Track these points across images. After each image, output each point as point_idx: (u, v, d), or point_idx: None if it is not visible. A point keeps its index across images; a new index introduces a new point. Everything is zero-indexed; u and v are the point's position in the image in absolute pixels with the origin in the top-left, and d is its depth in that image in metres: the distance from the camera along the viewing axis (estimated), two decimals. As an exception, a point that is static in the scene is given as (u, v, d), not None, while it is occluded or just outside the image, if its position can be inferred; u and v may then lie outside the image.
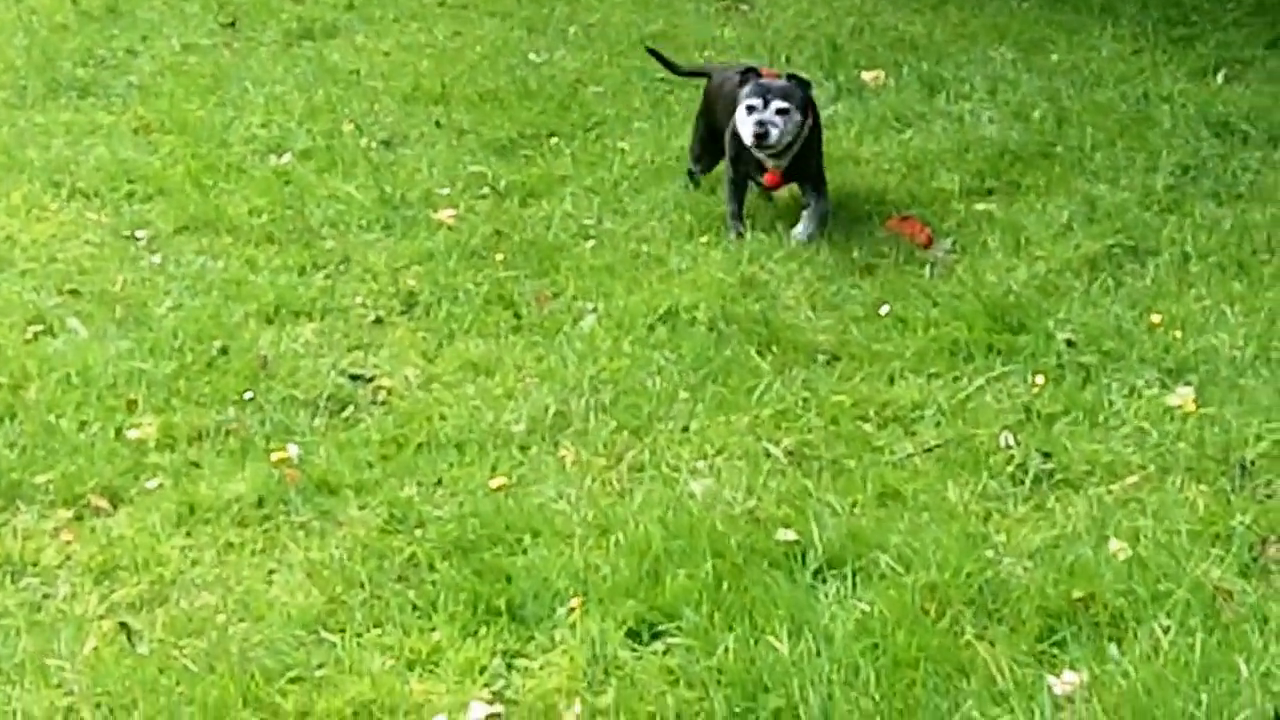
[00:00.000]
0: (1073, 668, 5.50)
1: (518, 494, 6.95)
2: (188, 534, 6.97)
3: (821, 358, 7.87)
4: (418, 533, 6.79)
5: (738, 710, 5.47)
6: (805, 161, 9.54)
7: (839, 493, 6.70)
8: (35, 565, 6.80)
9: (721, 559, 6.11)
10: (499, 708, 5.65)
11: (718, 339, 8.05)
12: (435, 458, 7.37)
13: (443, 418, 7.67)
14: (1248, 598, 5.76)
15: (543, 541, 6.51)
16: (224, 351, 8.51)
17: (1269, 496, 6.42)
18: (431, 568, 6.49)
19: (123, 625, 6.34)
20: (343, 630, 6.15)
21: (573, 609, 6.01)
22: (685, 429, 7.30)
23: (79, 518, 7.18)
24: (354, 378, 8.25)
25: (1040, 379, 7.40)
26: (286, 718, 5.73)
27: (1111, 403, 7.22)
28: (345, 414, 7.90)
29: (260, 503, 7.15)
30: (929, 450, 7.00)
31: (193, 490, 7.26)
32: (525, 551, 6.47)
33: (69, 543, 6.99)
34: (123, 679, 5.95)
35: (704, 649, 5.69)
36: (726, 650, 5.67)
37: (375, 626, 6.15)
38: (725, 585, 5.98)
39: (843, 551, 6.19)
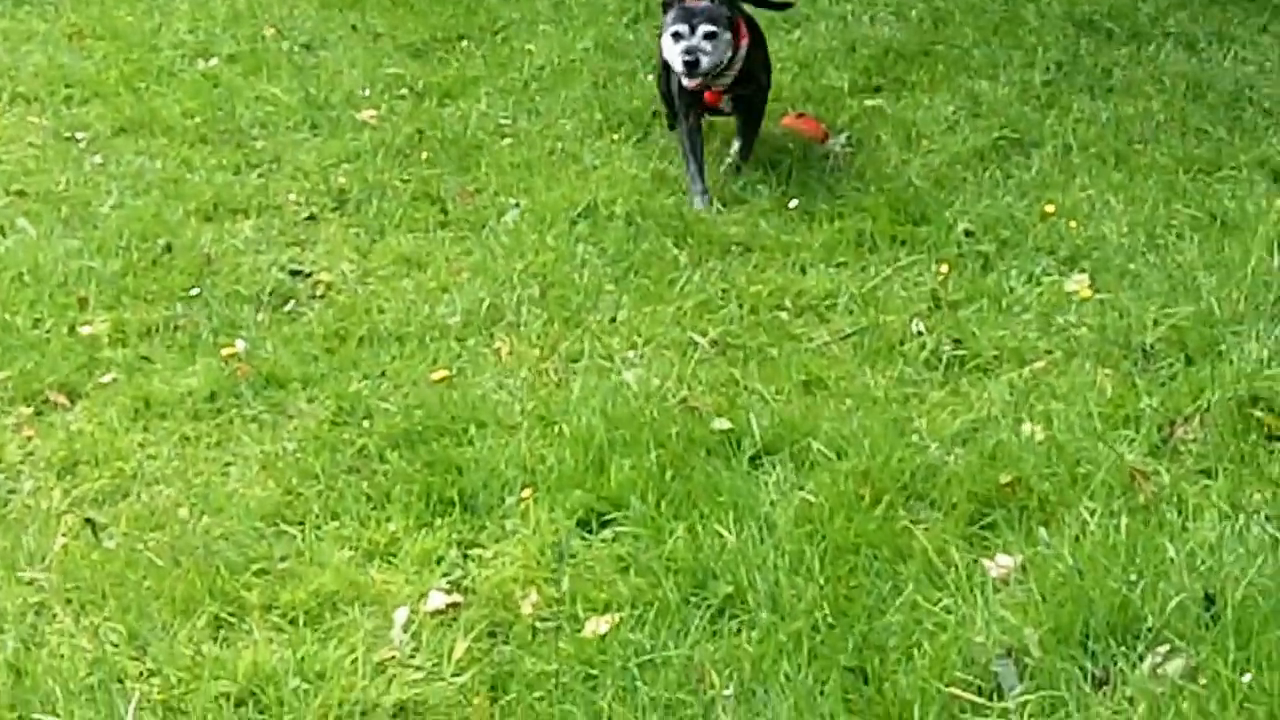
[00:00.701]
0: (1006, 551, 5.15)
1: (459, 385, 6.55)
2: (145, 428, 6.56)
3: (735, 249, 7.48)
4: (365, 424, 6.40)
5: (689, 598, 5.08)
6: (746, 81, 8.30)
7: (765, 380, 6.35)
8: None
9: (663, 449, 5.73)
10: (457, 597, 5.27)
11: (636, 233, 7.68)
12: (377, 350, 6.99)
13: (381, 311, 7.29)
14: (1162, 479, 5.41)
15: (488, 432, 6.13)
16: (168, 249, 8.09)
17: (1171, 379, 6.09)
18: (381, 459, 6.12)
19: (88, 521, 5.92)
20: (301, 522, 5.79)
21: (523, 499, 5.59)
22: (613, 320, 6.93)
23: (39, 414, 6.75)
24: (294, 273, 7.85)
25: (944, 268, 7.01)
26: (252, 610, 5.34)
27: (1013, 289, 6.91)
28: (287, 308, 7.49)
29: (212, 396, 6.74)
30: (845, 338, 6.69)
31: (146, 385, 6.84)
32: (472, 443, 6.08)
33: (30, 438, 6.56)
34: (91, 574, 5.51)
35: (652, 538, 5.36)
36: (674, 538, 5.27)
37: (332, 518, 5.77)
38: (669, 475, 5.59)
39: (776, 439, 5.86)
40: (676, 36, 7.91)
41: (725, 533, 5.29)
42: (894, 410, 6.05)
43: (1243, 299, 6.48)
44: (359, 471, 6.08)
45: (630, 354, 6.70)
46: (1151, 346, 6.28)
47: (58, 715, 4.90)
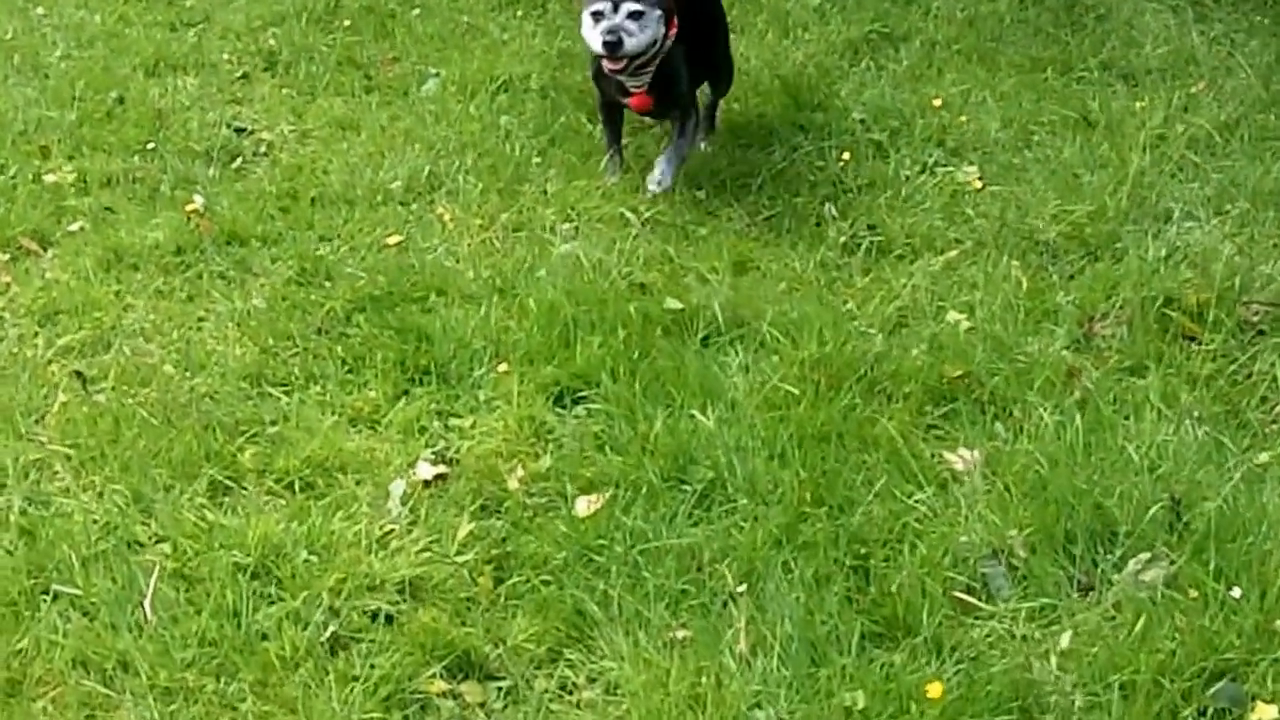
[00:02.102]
0: (966, 445, 4.46)
1: (413, 251, 5.70)
2: (118, 279, 5.72)
3: (645, 127, 6.64)
4: (328, 286, 5.56)
5: (670, 481, 4.35)
6: (669, 79, 6.08)
7: (700, 259, 5.57)
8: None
9: (624, 328, 4.96)
10: (444, 468, 4.49)
11: (552, 107, 6.84)
12: (329, 212, 6.16)
13: (326, 173, 6.42)
14: (1090, 374, 4.76)
15: (449, 300, 5.33)
16: (120, 101, 7.19)
17: (1079, 273, 5.43)
18: (349, 321, 5.32)
19: (78, 374, 5.04)
20: (283, 385, 5.00)
21: (499, 372, 4.82)
22: (544, 192, 6.14)
23: (13, 259, 5.79)
24: (238, 130, 6.94)
25: (846, 155, 6.26)
26: (247, 473, 4.57)
27: (908, 178, 6.12)
28: (236, 165, 6.63)
29: (179, 251, 5.89)
30: (767, 219, 5.88)
31: (114, 235, 5.96)
32: (433, 311, 5.26)
33: (8, 284, 5.63)
34: (87, 431, 4.66)
35: (626, 418, 4.61)
36: (648, 419, 4.53)
37: (311, 382, 4.96)
38: (635, 354, 4.83)
39: (725, 320, 5.08)
40: (596, 16, 5.80)
41: (701, 417, 4.49)
42: (825, 294, 5.29)
43: (1125, 199, 5.78)
44: (328, 333, 5.23)
45: (564, 226, 5.86)
46: (1053, 241, 5.55)
47: (76, 585, 4.01)
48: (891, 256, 5.63)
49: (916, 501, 4.25)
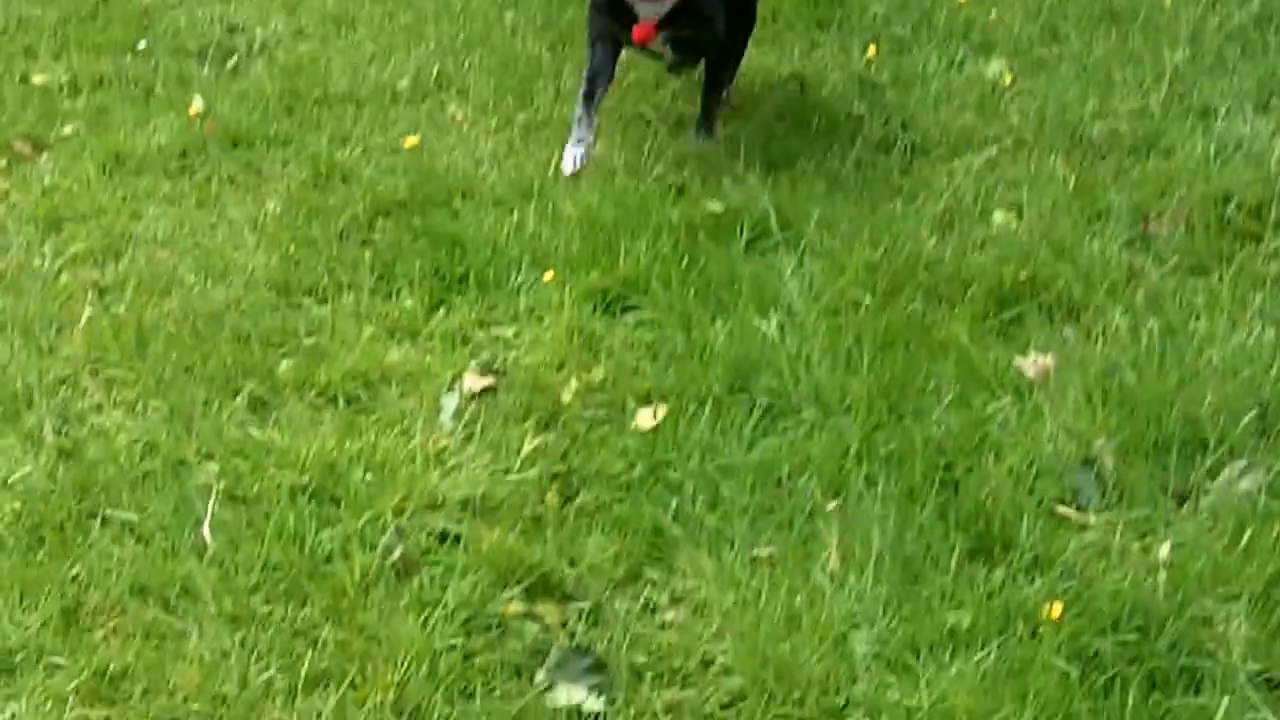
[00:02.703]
0: (1037, 350, 4.34)
1: (430, 154, 5.49)
2: (122, 184, 5.46)
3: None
4: (343, 188, 5.35)
5: (732, 393, 4.19)
6: (693, 15, 5.19)
7: (729, 158, 5.38)
8: (-20, 216, 5.24)
9: (670, 233, 4.79)
10: (492, 380, 4.31)
11: (563, 2, 6.58)
12: (336, 112, 5.95)
13: (328, 72, 6.18)
14: (1151, 276, 4.65)
15: (478, 205, 5.14)
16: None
17: (1127, 171, 5.29)
18: (372, 226, 5.09)
19: (95, 285, 4.83)
20: (312, 294, 4.74)
21: (544, 280, 4.66)
22: (559, 90, 5.90)
23: (9, 164, 5.57)
24: (231, 28, 6.69)
25: (872, 49, 6.08)
26: (286, 387, 4.36)
27: (936, 74, 5.97)
28: (231, 65, 6.42)
29: (184, 154, 5.69)
30: (796, 118, 5.71)
31: (112, 138, 5.72)
32: (458, 215, 5.08)
33: (7, 191, 5.42)
34: (113, 346, 4.47)
35: (680, 325, 4.43)
36: (702, 327, 4.39)
37: (343, 291, 4.77)
38: (684, 259, 4.66)
39: (768, 221, 4.92)
40: None
41: (762, 324, 4.33)
42: (867, 195, 5.12)
43: (1164, 95, 5.64)
44: (348, 238, 5.03)
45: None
46: (1096, 138, 5.42)
47: (127, 509, 3.84)
48: (929, 155, 5.49)
49: (994, 410, 4.09)
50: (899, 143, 5.53)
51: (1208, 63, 5.93)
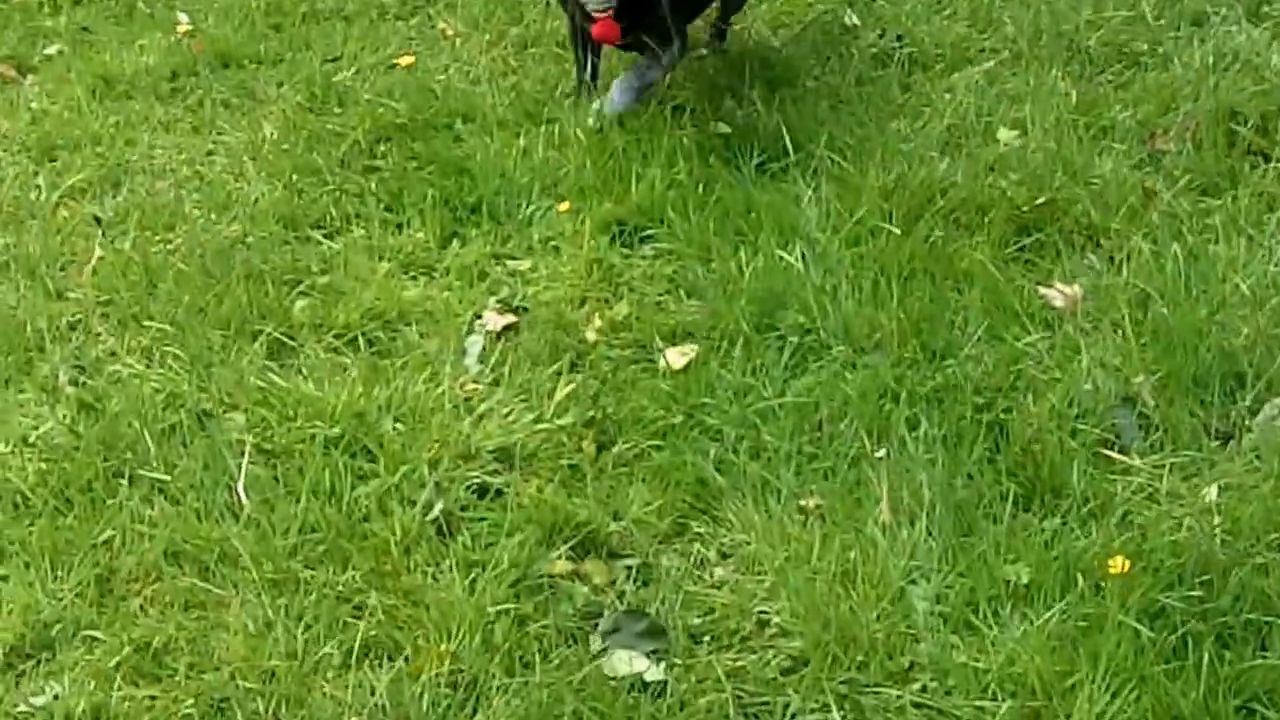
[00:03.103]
0: (1063, 279, 4.11)
1: (424, 72, 5.18)
2: (113, 109, 5.10)
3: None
4: (339, 112, 5.05)
5: (760, 327, 3.94)
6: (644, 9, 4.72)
7: (729, 75, 5.10)
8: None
9: (684, 159, 4.52)
10: (512, 317, 4.04)
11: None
12: (324, 29, 5.63)
13: (312, -15, 5.78)
14: (1164, 196, 4.42)
15: (482, 128, 4.83)
16: (71, -92, 6.40)
17: (1128, 84, 5.03)
18: (373, 153, 4.80)
19: (96, 220, 4.51)
20: (320, 227, 4.46)
21: (558, 210, 4.38)
22: (548, 3, 5.55)
23: (-4, 86, 5.23)
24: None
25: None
26: (303, 328, 4.09)
27: None
28: (212, -26, 5.94)
29: (174, 75, 5.37)
30: (790, 32, 5.40)
31: (98, 59, 5.38)
32: (461, 139, 4.78)
33: (-6, 118, 5.07)
34: (121, 285, 4.17)
35: (700, 257, 4.17)
36: (724, 259, 4.13)
37: (351, 224, 4.48)
38: (699, 186, 4.39)
39: (778, 145, 4.64)
40: None
41: (788, 257, 4.09)
42: (867, 112, 4.86)
43: (1154, 2, 5.39)
44: (353, 167, 4.72)
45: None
46: (1093, 49, 5.16)
47: (156, 467, 3.56)
48: (927, 69, 5.22)
49: (1027, 345, 3.86)
50: (896, 56, 5.25)
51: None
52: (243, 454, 3.60)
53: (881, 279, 4.12)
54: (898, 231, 4.28)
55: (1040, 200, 4.36)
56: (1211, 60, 5.08)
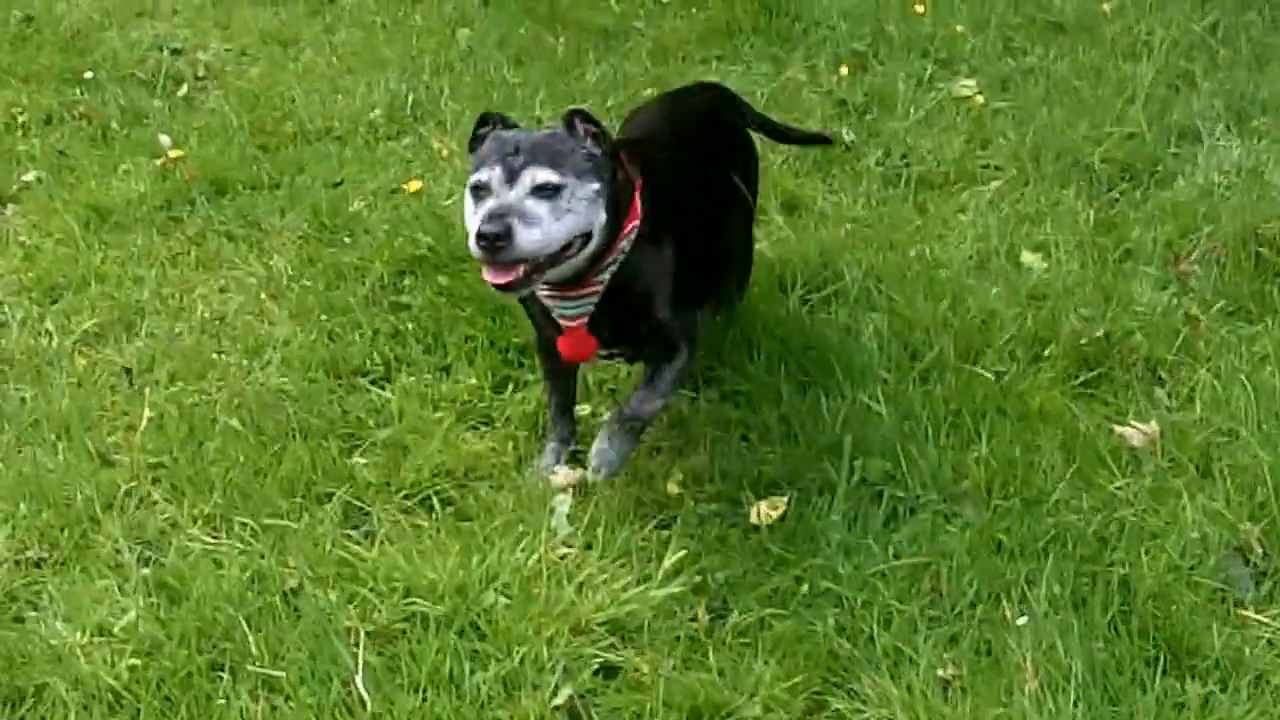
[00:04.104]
0: (1138, 417, 3.98)
1: (432, 197, 4.95)
2: (107, 244, 4.77)
3: (610, 38, 5.91)
4: (348, 241, 4.77)
5: (848, 477, 3.75)
6: (635, 301, 3.55)
7: None
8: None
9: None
10: (583, 470, 3.81)
11: (507, 17, 6.00)
12: (315, 150, 5.29)
13: (292, 102, 5.52)
14: (1204, 321, 4.33)
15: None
16: (29, 21, 6.04)
17: (1140, 204, 4.95)
18: (399, 288, 4.56)
19: (126, 371, 4.20)
20: (363, 373, 4.18)
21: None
22: (539, 119, 5.34)
23: (-25, 220, 4.88)
24: (173, 52, 5.92)
25: (844, 69, 5.66)
26: (370, 488, 3.80)
27: (908, 93, 5.53)
28: (183, 93, 5.71)
29: (167, 204, 5.02)
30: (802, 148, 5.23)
31: (82, 188, 5.03)
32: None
33: (-15, 257, 4.72)
34: (170, 447, 3.85)
35: (767, 399, 3.99)
36: (790, 401, 3.93)
37: (396, 371, 4.19)
38: (756, 325, 4.21)
39: (814, 272, 4.54)
40: (478, 192, 3.30)
41: (870, 401, 3.92)
42: (889, 235, 4.71)
43: (1140, 112, 5.32)
44: (380, 304, 4.46)
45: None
46: (1095, 167, 5.07)
47: (259, 658, 3.27)
48: (935, 188, 5.09)
49: (1118, 489, 3.72)
50: (903, 176, 5.08)
51: (1169, 79, 5.57)
52: (355, 645, 3.28)
53: (956, 420, 3.93)
54: (958, 367, 4.09)
55: (1099, 333, 4.20)
56: (1216, 177, 4.99)
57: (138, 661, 3.29)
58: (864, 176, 5.08)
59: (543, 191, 3.25)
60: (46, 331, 4.42)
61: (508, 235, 3.15)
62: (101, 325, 4.46)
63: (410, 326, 4.36)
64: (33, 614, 3.47)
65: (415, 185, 5.04)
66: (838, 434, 3.88)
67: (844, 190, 5.03)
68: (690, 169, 3.81)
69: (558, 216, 3.26)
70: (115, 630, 3.37)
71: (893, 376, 4.07)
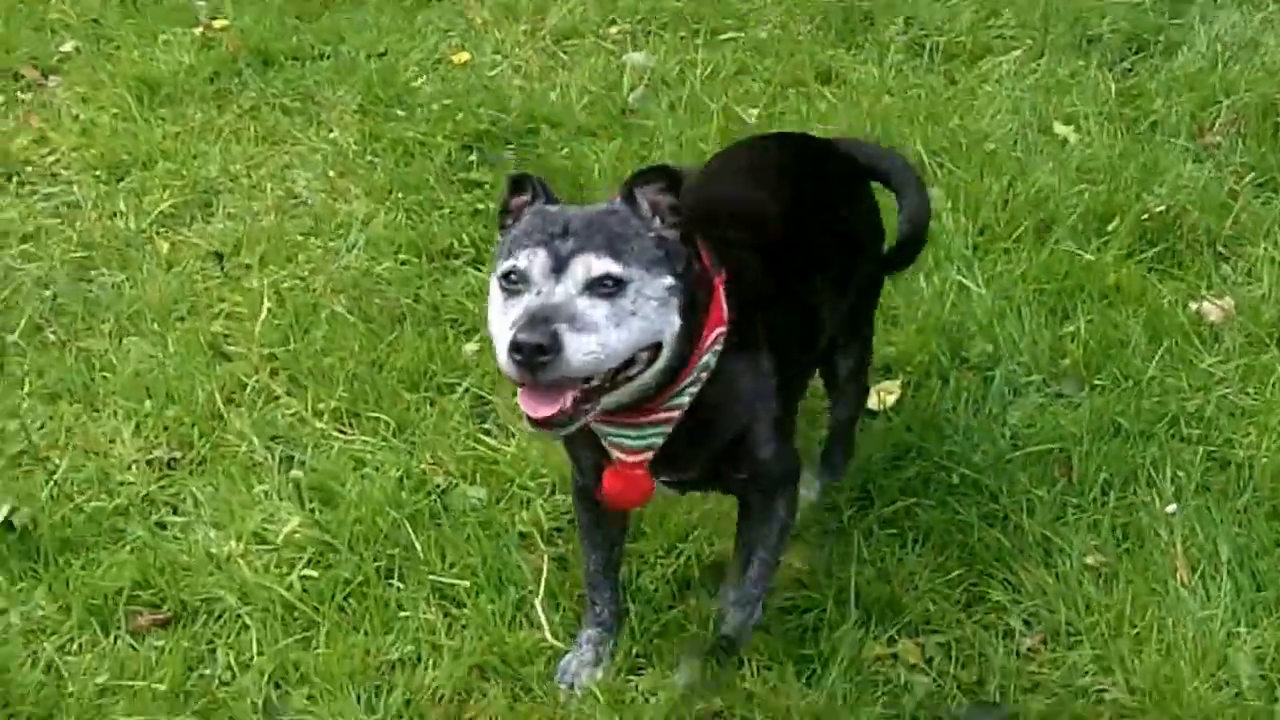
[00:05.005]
0: (1211, 292, 3.68)
1: (479, 69, 4.42)
2: (166, 116, 4.20)
3: None
4: (402, 114, 4.28)
5: (953, 358, 3.41)
6: (725, 434, 2.37)
7: (778, 66, 4.50)
8: (26, 164, 3.96)
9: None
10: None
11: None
12: (350, 17, 4.73)
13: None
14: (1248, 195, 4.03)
15: (566, 133, 4.10)
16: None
17: (1152, 75, 4.59)
18: (469, 166, 4.03)
19: (217, 256, 3.69)
20: (450, 254, 3.74)
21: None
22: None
23: (21, 91, 4.27)
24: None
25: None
26: (485, 378, 3.36)
27: None
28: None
29: (215, 77, 4.42)
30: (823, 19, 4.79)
31: (126, 59, 4.44)
32: (559, 147, 4.06)
33: (41, 131, 4.14)
34: (277, 336, 3.40)
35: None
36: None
37: (482, 251, 3.73)
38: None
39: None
40: (513, 283, 2.17)
41: (968, 282, 3.55)
42: (926, 107, 4.33)
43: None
44: (451, 180, 3.99)
45: (613, 30, 4.66)
46: (1104, 36, 4.70)
47: (431, 564, 2.87)
48: (955, 57, 4.67)
49: (1211, 367, 3.42)
50: (926, 47, 4.66)
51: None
52: (540, 569, 2.88)
53: (1042, 298, 3.59)
54: (1029, 244, 3.74)
55: (1160, 208, 3.87)
56: (1219, 48, 4.65)
57: (314, 573, 2.83)
58: (890, 48, 4.61)
59: (600, 288, 2.13)
60: (120, 212, 3.86)
61: (554, 346, 2.05)
62: (176, 206, 3.91)
63: (490, 206, 3.86)
64: (174, 518, 2.98)
65: (463, 57, 4.52)
66: (938, 316, 3.49)
67: (871, 61, 4.57)
68: (789, 251, 2.53)
69: (619, 321, 2.13)
70: (277, 539, 2.90)
71: (974, 255, 3.68)
